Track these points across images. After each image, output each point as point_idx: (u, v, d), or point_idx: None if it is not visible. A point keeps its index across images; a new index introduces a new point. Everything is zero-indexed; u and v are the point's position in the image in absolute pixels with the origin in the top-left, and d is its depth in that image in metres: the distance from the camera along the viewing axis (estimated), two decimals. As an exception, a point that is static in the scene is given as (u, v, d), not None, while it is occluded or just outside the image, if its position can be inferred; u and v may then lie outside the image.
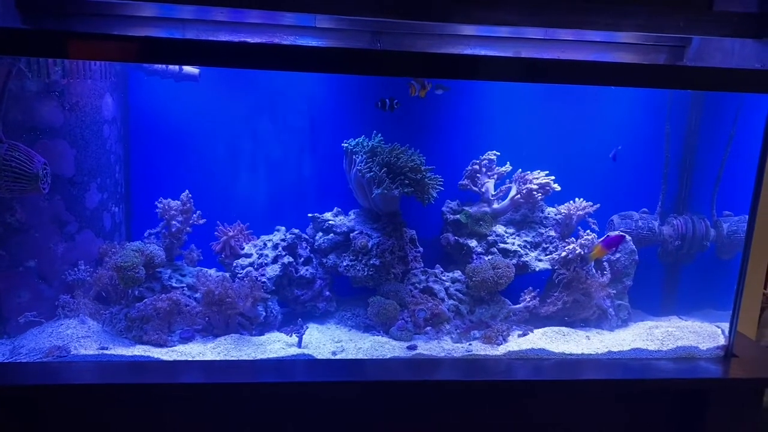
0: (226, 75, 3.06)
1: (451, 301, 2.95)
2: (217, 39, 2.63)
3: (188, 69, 2.92)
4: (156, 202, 2.89)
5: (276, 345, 2.68)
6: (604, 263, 3.02)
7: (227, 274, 2.90)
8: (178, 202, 2.90)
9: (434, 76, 2.38)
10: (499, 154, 3.16)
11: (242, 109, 3.13)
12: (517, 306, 2.98)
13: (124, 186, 3.13)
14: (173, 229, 2.89)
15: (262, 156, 3.19)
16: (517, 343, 2.77)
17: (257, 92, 3.13)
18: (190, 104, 3.07)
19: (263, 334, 2.79)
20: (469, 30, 2.83)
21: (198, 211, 2.94)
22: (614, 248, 2.92)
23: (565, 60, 2.43)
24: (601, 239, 2.92)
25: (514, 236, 3.12)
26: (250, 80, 3.11)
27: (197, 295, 2.78)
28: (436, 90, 2.81)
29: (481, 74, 2.48)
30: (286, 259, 2.92)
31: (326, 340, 2.77)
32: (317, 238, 3.03)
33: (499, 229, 3.12)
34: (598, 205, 3.09)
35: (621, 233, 2.98)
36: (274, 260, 2.91)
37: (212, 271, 2.94)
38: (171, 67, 2.89)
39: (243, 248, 2.97)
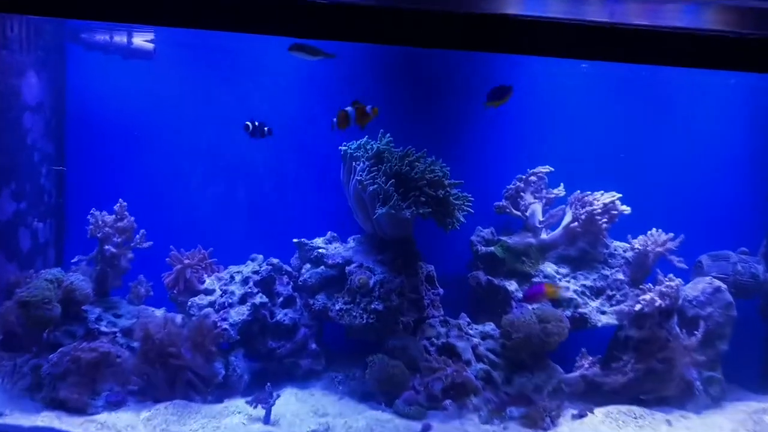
0: (188, 52, 2.69)
1: (480, 365, 2.54)
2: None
3: (139, 43, 2.53)
4: (88, 216, 2.41)
5: (235, 418, 2.21)
6: (700, 319, 2.54)
7: (178, 316, 2.42)
8: (113, 217, 2.41)
9: (468, 48, 1.84)
10: (552, 169, 2.74)
11: (209, 97, 2.74)
12: (572, 375, 2.57)
13: (54, 195, 2.71)
14: (107, 254, 2.38)
15: (236, 162, 2.79)
16: (570, 427, 2.36)
17: (230, 74, 2.75)
18: (143, 89, 2.70)
19: (221, 401, 2.35)
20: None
21: (142, 231, 2.48)
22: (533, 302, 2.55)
23: (657, 27, 1.75)
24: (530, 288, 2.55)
25: (568, 278, 2.75)
26: (218, 59, 2.73)
27: (135, 343, 2.30)
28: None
29: (534, 46, 1.85)
30: (258, 299, 2.52)
31: (306, 414, 2.31)
32: (303, 271, 2.66)
33: (549, 268, 2.75)
34: (682, 237, 2.66)
35: (542, 284, 2.56)
36: (242, 300, 2.51)
37: (160, 312, 2.48)
38: (117, 40, 2.50)
39: (203, 282, 2.60)
